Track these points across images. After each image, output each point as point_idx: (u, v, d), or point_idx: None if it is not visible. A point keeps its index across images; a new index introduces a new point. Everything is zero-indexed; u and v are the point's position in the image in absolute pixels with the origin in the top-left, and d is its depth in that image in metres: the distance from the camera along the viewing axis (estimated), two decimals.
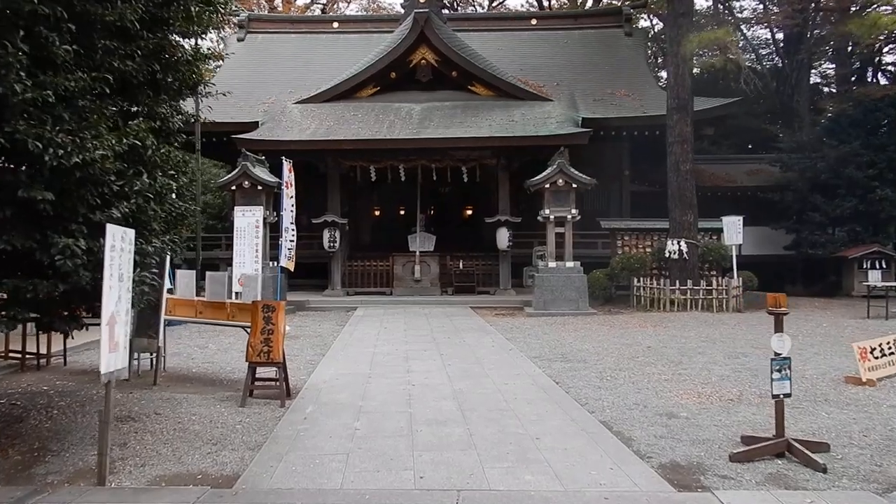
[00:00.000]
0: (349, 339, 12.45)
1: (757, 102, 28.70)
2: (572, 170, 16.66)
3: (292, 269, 14.55)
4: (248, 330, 7.67)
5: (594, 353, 10.65)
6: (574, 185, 16.68)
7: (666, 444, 5.83)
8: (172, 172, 6.40)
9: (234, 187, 16.91)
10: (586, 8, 36.48)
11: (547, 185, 16.65)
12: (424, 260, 20.49)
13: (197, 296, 9.33)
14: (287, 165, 13.92)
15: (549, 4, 40.11)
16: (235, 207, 16.83)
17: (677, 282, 16.92)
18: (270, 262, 17.19)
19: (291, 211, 14.06)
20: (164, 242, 6.47)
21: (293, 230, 14.20)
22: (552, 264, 16.70)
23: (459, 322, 14.89)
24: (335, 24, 27.93)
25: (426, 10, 21.46)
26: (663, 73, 32.00)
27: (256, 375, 7.84)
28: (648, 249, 19.63)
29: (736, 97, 22.51)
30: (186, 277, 8.75)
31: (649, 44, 32.99)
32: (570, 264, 16.68)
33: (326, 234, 19.97)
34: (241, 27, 27.56)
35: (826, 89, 31.83)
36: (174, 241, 6.84)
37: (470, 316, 16.18)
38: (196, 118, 19.99)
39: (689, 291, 16.79)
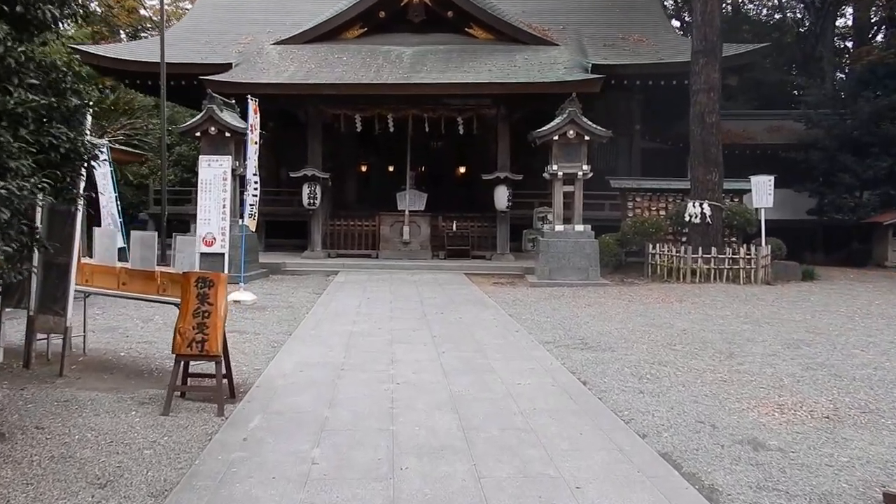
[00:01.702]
0: (324, 312, 10.50)
1: (777, 54, 26.56)
2: (585, 119, 14.61)
3: (253, 229, 12.52)
4: None
5: (619, 337, 8.75)
6: (586, 138, 14.65)
7: (771, 502, 3.92)
8: (35, 82, 4.33)
9: (198, 134, 14.78)
10: None
11: (555, 137, 14.60)
12: (414, 220, 18.50)
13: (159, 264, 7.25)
14: (252, 105, 11.81)
15: None
16: (200, 157, 14.83)
17: (700, 249, 15.00)
18: (240, 220, 15.19)
19: (255, 160, 11.98)
20: (34, 186, 4.37)
21: (256, 182, 12.13)
22: (559, 227, 14.73)
23: (453, 292, 12.96)
24: None
25: None
26: (675, 23, 29.81)
27: (193, 367, 5.95)
28: (663, 212, 17.73)
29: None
30: (106, 237, 6.75)
31: None
32: (579, 228, 14.72)
33: (306, 190, 17.92)
34: None
35: (848, 43, 29.66)
36: (58, 187, 4.80)
37: (465, 285, 14.26)
38: (161, 58, 17.92)
39: (713, 260, 14.87)
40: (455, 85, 17.09)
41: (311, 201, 17.87)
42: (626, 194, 17.95)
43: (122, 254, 14.50)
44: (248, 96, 12.18)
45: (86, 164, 5.26)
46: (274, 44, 20.19)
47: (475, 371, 6.79)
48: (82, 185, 6.25)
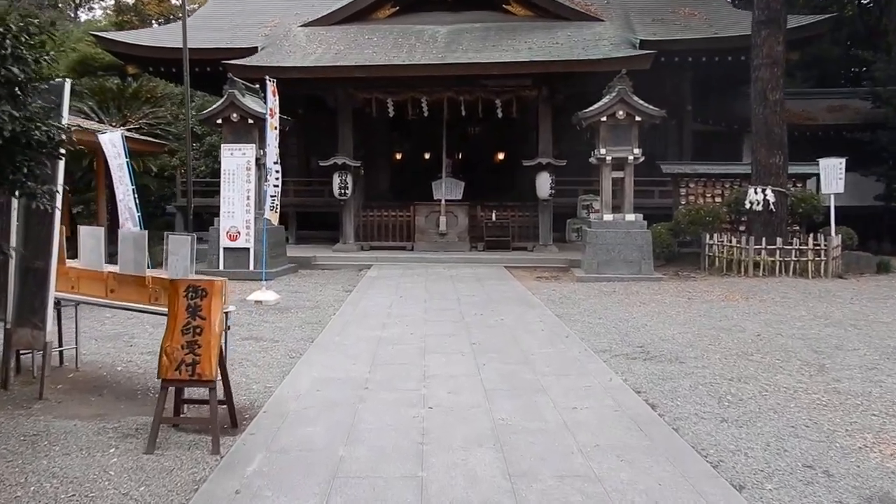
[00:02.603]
0: (352, 313, 9.54)
1: (836, 28, 24.82)
2: (636, 98, 13.40)
3: (275, 222, 11.59)
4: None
5: (685, 343, 7.63)
6: (637, 118, 13.44)
7: None
8: None
9: (219, 121, 13.91)
10: None
11: (603, 118, 13.42)
12: (451, 210, 17.46)
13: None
14: (270, 86, 10.84)
15: None
16: (222, 146, 14.00)
17: (763, 239, 13.71)
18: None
19: (276, 147, 11.03)
20: None
21: (278, 172, 11.17)
22: (608, 217, 13.56)
23: (493, 288, 11.92)
24: None
25: None
26: None
27: (190, 390, 5.04)
28: (718, 199, 16.44)
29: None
30: (91, 238, 5.83)
31: None
32: (630, 217, 13.54)
33: (337, 180, 16.97)
34: None
35: None
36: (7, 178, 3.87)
37: (506, 279, 13.21)
38: (184, 42, 17.11)
39: (778, 252, 13.58)
40: (494, 64, 15.94)
41: (343, 191, 16.93)
42: (679, 180, 16.67)
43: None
44: (266, 77, 11.21)
45: (50, 153, 4.34)
46: (301, 26, 19.24)
47: (522, 391, 5.75)
48: (59, 178, 5.36)
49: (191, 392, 5.18)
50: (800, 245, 13.67)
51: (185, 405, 5.12)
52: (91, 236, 5.86)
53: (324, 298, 10.87)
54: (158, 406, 4.60)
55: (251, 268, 13.15)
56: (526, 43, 17.12)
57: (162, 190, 21.13)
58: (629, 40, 17.27)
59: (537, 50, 16.63)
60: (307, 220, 19.79)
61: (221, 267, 13.46)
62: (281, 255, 14.38)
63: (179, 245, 5.30)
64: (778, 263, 13.54)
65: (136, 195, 12.54)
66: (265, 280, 10.93)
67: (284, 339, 7.89)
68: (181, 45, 16.67)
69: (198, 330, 4.59)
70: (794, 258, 13.57)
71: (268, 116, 10.68)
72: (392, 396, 5.61)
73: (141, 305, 5.60)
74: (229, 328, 5.50)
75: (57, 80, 5.39)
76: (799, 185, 16.07)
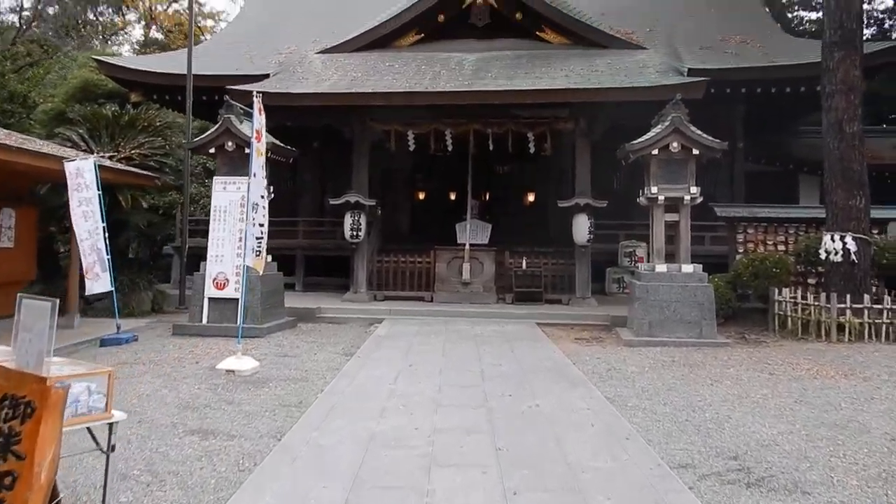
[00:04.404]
0: (346, 390, 7.51)
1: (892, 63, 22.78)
2: (692, 128, 11.41)
3: (260, 270, 9.59)
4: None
5: (795, 453, 5.46)
6: (695, 151, 11.42)
7: None
8: None
9: (212, 150, 12.13)
10: None
11: (654, 152, 11.40)
12: (476, 256, 15.45)
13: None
14: (257, 103, 8.95)
15: None
16: (215, 178, 12.22)
17: (848, 296, 11.49)
18: (268, 258, 12.45)
19: (264, 178, 9.12)
20: None
21: (265, 208, 9.24)
22: (661, 268, 11.44)
23: (525, 354, 9.83)
24: None
25: None
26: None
27: None
28: (781, 247, 14.28)
29: None
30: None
31: None
32: (687, 268, 11.42)
33: (349, 220, 15.07)
34: None
35: None
36: None
37: (539, 341, 11.12)
38: (188, 65, 15.52)
39: (867, 311, 11.36)
40: (526, 92, 14.06)
41: (355, 233, 15.02)
42: (736, 225, 14.55)
43: (107, 299, 11.97)
44: (254, 93, 9.38)
45: None
46: (318, 53, 17.61)
47: None
48: None
49: None
50: (893, 303, 11.42)
51: None
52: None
53: (315, 366, 8.85)
54: None
55: (240, 322, 11.19)
56: (562, 70, 15.25)
57: (168, 228, 19.46)
58: (676, 68, 15.35)
59: (575, 77, 14.74)
60: (315, 264, 17.90)
61: (205, 320, 11.54)
62: (277, 307, 12.43)
63: (35, 317, 3.33)
64: (868, 326, 11.29)
65: (107, 234, 10.76)
66: (239, 343, 8.94)
67: (244, 433, 5.87)
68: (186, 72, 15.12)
69: (6, 480, 2.60)
70: (886, 319, 11.32)
71: (253, 140, 8.77)
72: None
73: None
74: (114, 449, 3.52)
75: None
76: (876, 230, 13.87)
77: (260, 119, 8.88)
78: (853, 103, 12.40)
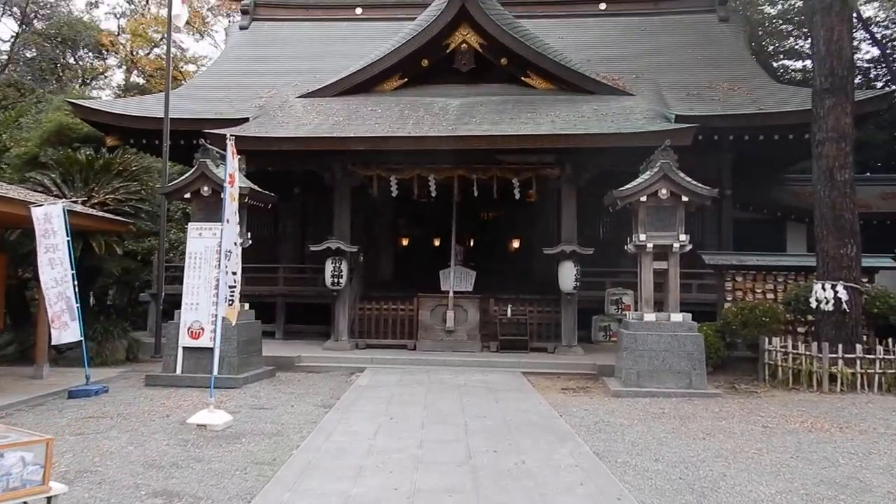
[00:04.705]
0: (322, 446, 7.11)
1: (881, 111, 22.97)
2: (681, 175, 11.25)
3: (234, 321, 9.22)
4: None
5: None
6: (684, 198, 11.25)
7: None
8: None
9: (188, 195, 11.84)
10: None
11: (643, 198, 11.22)
12: (460, 304, 15.14)
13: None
14: (230, 146, 8.70)
15: None
16: (190, 224, 11.90)
17: (840, 346, 11.24)
18: (245, 305, 12.07)
19: (237, 224, 8.84)
20: None
21: (238, 256, 8.95)
22: (649, 317, 11.15)
23: (510, 406, 9.46)
24: (358, 10, 22.83)
25: None
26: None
27: None
28: (770, 295, 14.09)
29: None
30: None
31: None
32: (676, 317, 11.14)
33: (330, 267, 14.77)
34: (246, 13, 22.82)
35: None
36: None
37: (525, 392, 10.76)
38: (166, 110, 15.31)
39: (859, 361, 11.11)
40: (511, 137, 13.93)
41: (336, 280, 14.70)
42: (724, 273, 14.37)
43: (77, 349, 11.52)
44: (228, 135, 9.15)
45: None
46: (299, 97, 17.45)
47: None
48: None
49: None
50: (885, 354, 11.19)
51: None
52: None
53: (292, 420, 8.45)
54: None
55: (215, 373, 10.76)
56: (548, 116, 15.17)
57: (147, 275, 19.01)
58: (663, 115, 15.29)
59: (561, 123, 14.66)
60: (296, 311, 17.51)
61: (179, 370, 11.10)
62: (254, 356, 12.02)
63: None
64: (860, 376, 11.04)
65: (76, 281, 10.38)
66: (212, 396, 8.53)
67: (212, 495, 5.47)
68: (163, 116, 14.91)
69: None
70: (878, 369, 11.08)
71: (226, 184, 8.49)
72: None
73: None
74: None
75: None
76: (865, 279, 13.71)
77: (233, 163, 8.63)
78: (844, 151, 12.33)
